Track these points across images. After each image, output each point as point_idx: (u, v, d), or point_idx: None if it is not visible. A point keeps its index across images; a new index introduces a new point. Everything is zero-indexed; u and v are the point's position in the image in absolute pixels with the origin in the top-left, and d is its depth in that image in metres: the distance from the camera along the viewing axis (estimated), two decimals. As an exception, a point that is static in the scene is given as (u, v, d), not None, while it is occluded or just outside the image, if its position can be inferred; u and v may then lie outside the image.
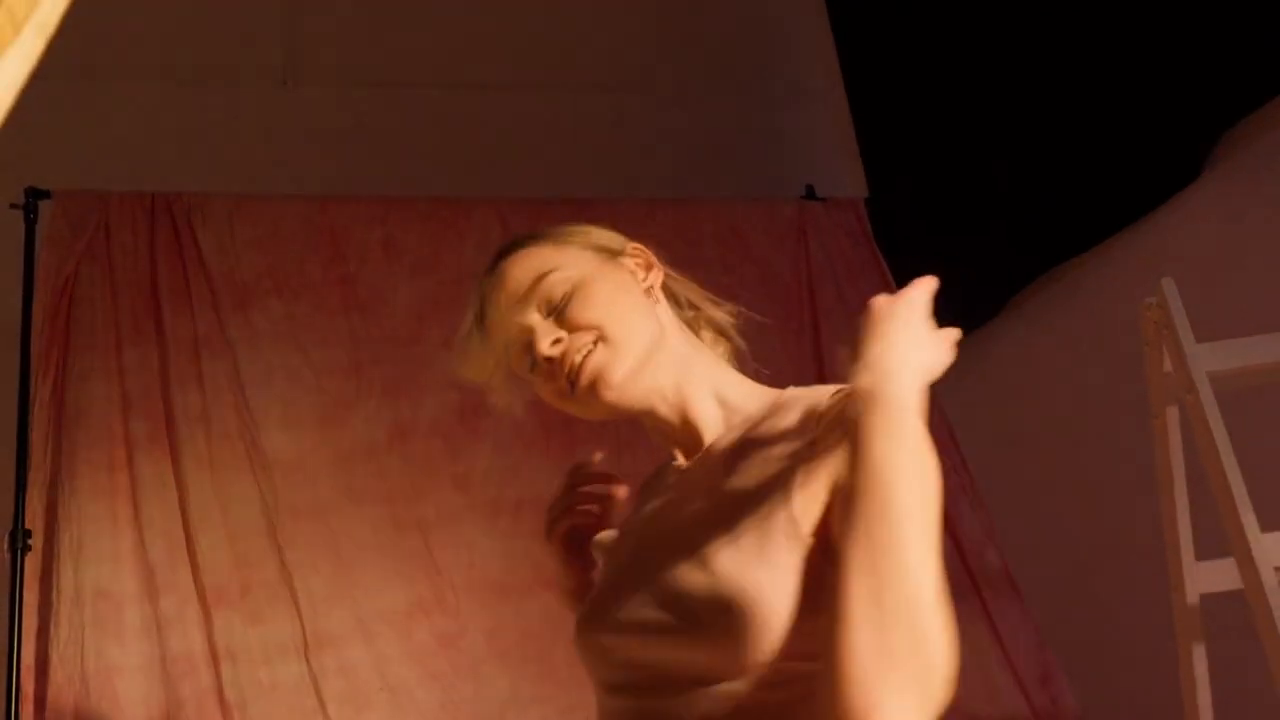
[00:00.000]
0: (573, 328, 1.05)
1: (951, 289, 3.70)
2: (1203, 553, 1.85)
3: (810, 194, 3.36)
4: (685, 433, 1.12)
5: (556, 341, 1.06)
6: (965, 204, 3.22)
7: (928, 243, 3.40)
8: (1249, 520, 1.60)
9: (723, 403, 1.12)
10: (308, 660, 2.58)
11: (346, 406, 2.85)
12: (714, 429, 1.10)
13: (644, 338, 1.07)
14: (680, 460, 1.13)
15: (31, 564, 2.51)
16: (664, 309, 1.15)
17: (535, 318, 1.08)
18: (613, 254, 1.13)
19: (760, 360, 1.25)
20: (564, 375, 1.06)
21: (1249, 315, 2.42)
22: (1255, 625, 1.58)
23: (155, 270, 2.80)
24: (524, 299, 1.08)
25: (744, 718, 0.91)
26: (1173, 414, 1.85)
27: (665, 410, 1.11)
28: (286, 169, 3.29)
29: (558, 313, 1.07)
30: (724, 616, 0.91)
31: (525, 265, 1.10)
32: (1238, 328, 2.31)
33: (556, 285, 1.07)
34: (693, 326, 1.18)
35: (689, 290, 1.20)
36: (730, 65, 3.83)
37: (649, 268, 1.15)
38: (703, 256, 3.01)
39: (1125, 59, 2.66)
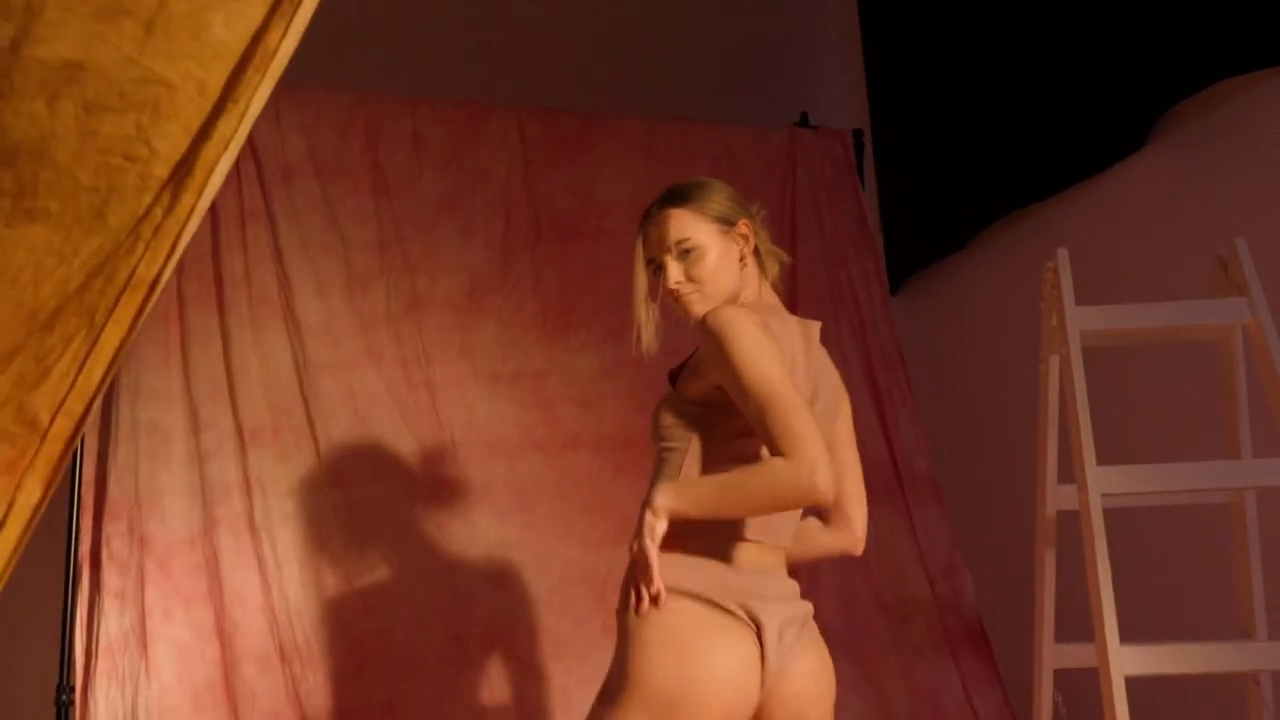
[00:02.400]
0: (688, 277, 1.78)
1: (925, 221, 3.99)
2: (1066, 477, 2.19)
3: (804, 121, 3.53)
4: None
5: (679, 281, 1.78)
6: (948, 144, 3.43)
7: (913, 177, 3.66)
8: (1089, 453, 1.95)
9: None
10: (325, 495, 2.86)
11: (371, 278, 3.09)
12: None
13: (725, 293, 1.78)
14: None
15: (96, 395, 2.87)
16: (748, 268, 1.82)
17: (670, 258, 1.79)
18: (730, 225, 1.80)
19: None
20: (674, 296, 1.79)
21: (1170, 278, 2.71)
22: (1083, 537, 1.96)
23: (210, 146, 3.08)
24: (668, 247, 1.79)
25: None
26: (1054, 361, 2.18)
27: None
28: (331, 57, 3.53)
29: (684, 260, 1.78)
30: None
31: (677, 225, 1.79)
32: (1160, 289, 2.58)
33: (688, 246, 1.78)
34: (761, 260, 1.84)
35: (763, 243, 1.87)
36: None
37: (748, 240, 1.81)
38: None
39: (1095, 35, 2.89)
